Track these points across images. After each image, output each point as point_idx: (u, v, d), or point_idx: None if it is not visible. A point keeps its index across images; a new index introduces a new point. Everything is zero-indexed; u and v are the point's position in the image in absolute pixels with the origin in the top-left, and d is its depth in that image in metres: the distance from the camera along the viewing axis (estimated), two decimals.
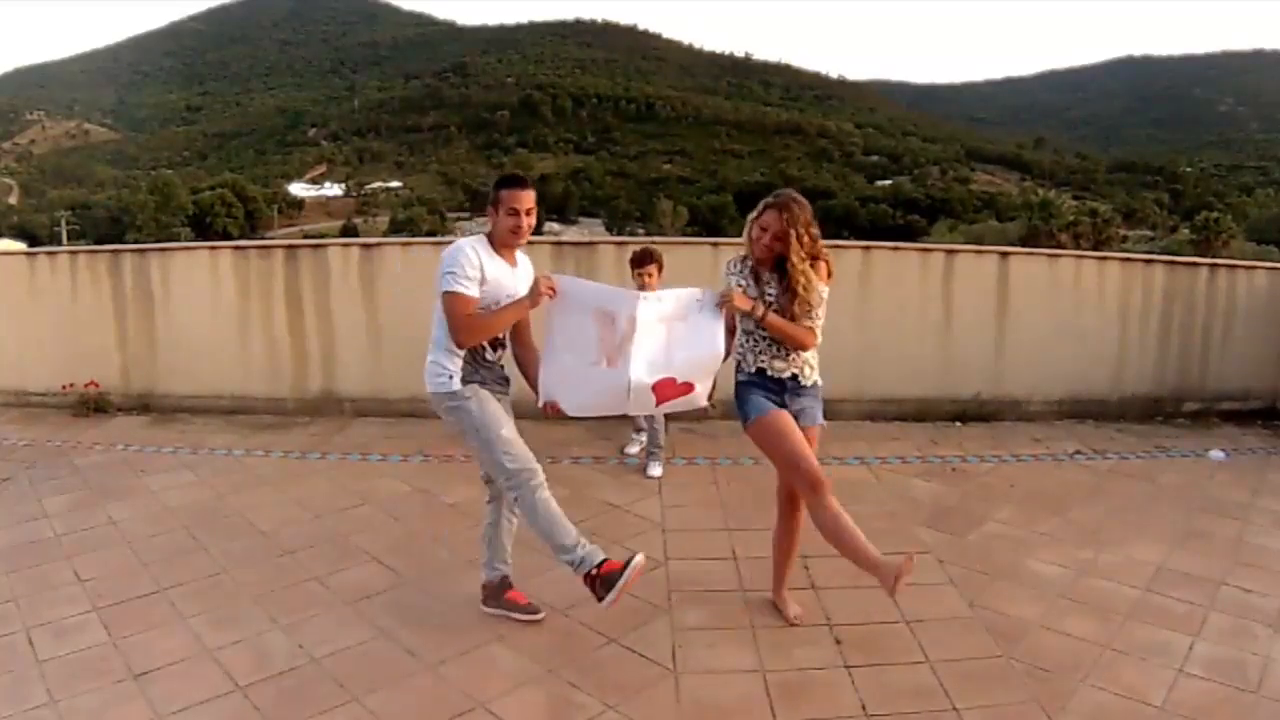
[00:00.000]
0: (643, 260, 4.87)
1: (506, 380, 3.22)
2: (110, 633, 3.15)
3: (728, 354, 3.11)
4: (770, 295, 3.02)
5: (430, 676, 2.91)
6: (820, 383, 3.17)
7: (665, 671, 2.94)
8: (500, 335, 3.12)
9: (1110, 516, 4.36)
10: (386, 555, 3.83)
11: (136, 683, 2.84)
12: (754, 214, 3.05)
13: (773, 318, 2.98)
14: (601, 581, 2.88)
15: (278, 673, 2.91)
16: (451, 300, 2.92)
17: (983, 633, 3.18)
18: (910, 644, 3.10)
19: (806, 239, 2.95)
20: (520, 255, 3.17)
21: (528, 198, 2.98)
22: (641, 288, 4.48)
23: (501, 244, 3.04)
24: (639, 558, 2.91)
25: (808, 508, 3.07)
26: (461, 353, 3.04)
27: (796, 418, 3.09)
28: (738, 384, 3.16)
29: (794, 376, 3.09)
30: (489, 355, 3.11)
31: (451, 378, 3.02)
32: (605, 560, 2.92)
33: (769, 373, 3.10)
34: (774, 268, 3.03)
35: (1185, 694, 2.79)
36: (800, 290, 2.96)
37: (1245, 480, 4.99)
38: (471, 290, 2.92)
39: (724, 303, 2.97)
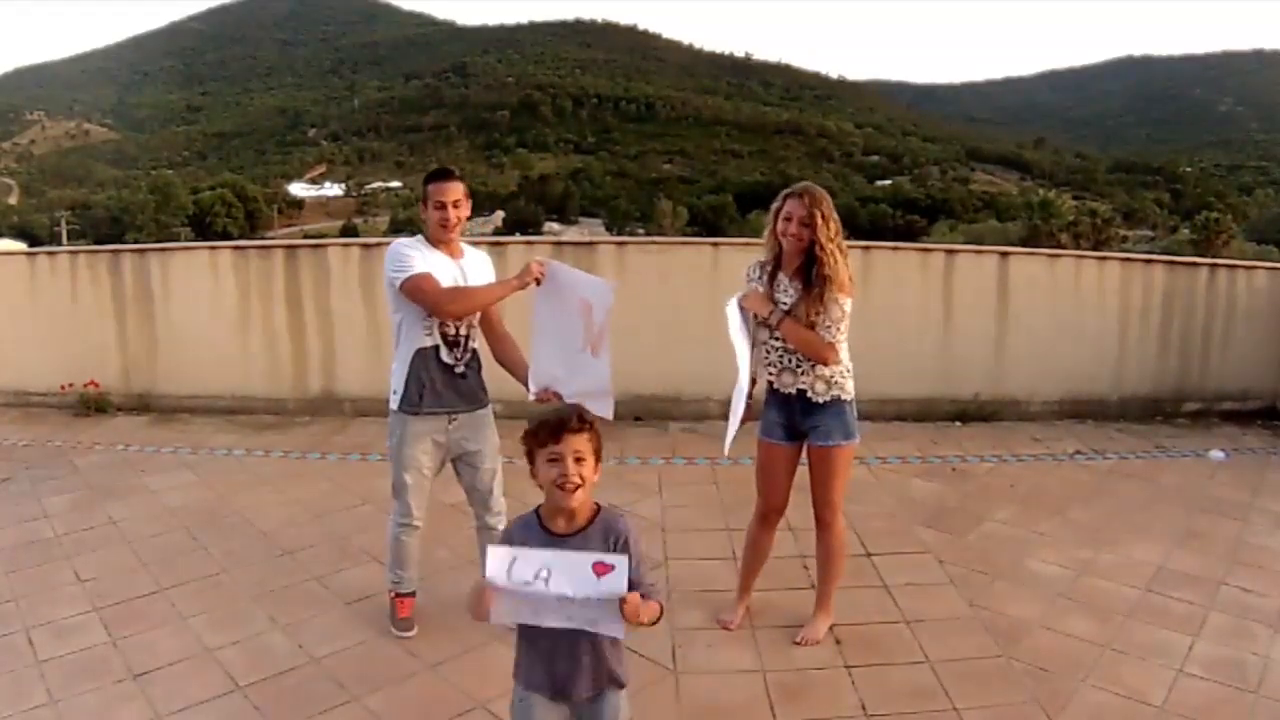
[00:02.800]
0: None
1: (474, 394, 3.10)
2: (110, 633, 3.15)
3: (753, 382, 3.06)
4: (785, 303, 2.93)
5: (430, 676, 2.91)
6: (846, 397, 3.03)
7: (665, 671, 2.94)
8: (458, 331, 3.02)
9: (1110, 516, 4.36)
10: (386, 555, 3.82)
11: (136, 683, 2.84)
12: (775, 205, 2.94)
13: (788, 323, 2.89)
14: (393, 606, 3.21)
15: (278, 673, 2.91)
16: (413, 284, 2.90)
17: (983, 633, 3.18)
18: (910, 644, 3.10)
19: (833, 223, 2.87)
20: (475, 251, 3.15)
21: (453, 189, 2.96)
22: None
23: (435, 239, 3.02)
24: (406, 633, 3.16)
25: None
26: (409, 362, 2.99)
27: (808, 436, 3.04)
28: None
29: (801, 393, 2.98)
30: (445, 356, 3.01)
31: (395, 393, 3.05)
32: (407, 595, 3.20)
33: (776, 387, 3.03)
34: (797, 271, 2.94)
35: (1185, 694, 2.79)
36: (828, 274, 2.84)
37: (1245, 480, 4.98)
38: (424, 267, 2.92)
39: (743, 302, 2.95)
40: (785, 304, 2.94)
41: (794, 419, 3.04)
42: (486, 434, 3.16)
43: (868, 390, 6.02)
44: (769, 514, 3.20)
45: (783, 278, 2.97)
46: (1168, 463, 5.35)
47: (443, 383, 3.03)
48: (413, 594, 3.23)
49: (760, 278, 3.04)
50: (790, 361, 2.98)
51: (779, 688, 2.83)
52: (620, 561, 1.85)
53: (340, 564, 3.75)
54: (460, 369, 3.05)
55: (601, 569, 1.86)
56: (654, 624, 1.91)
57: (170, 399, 6.46)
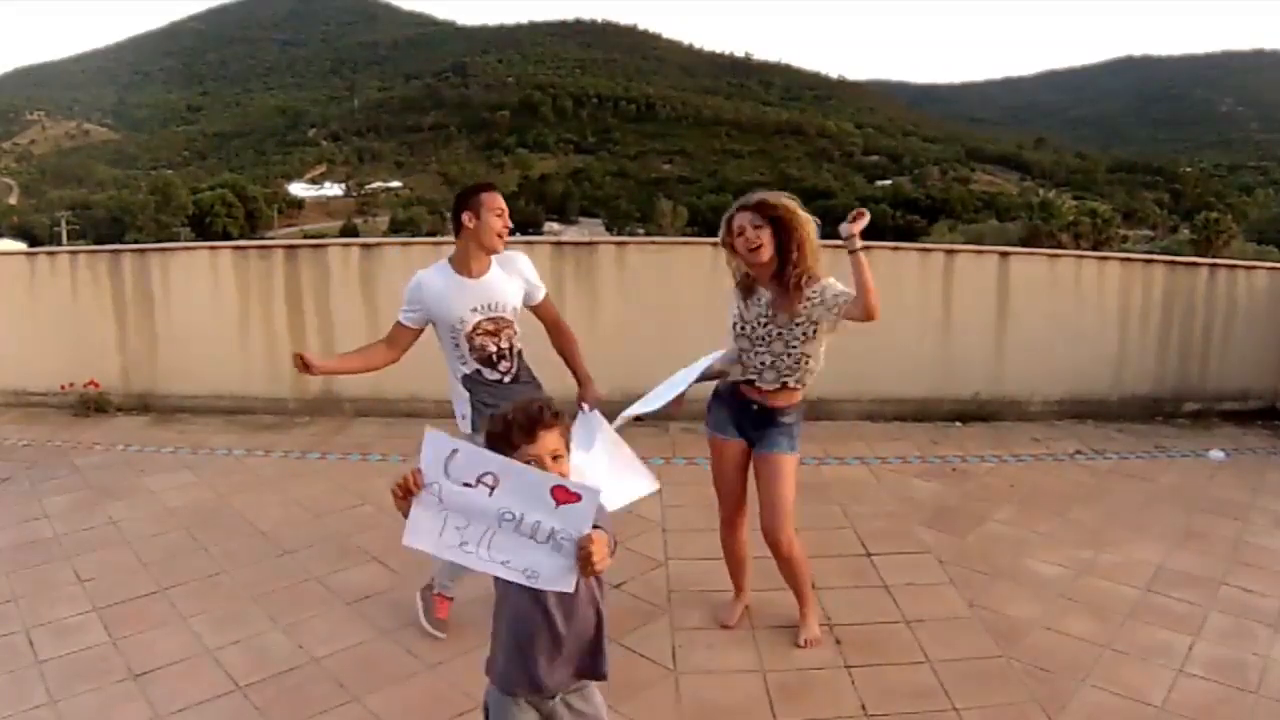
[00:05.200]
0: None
1: (531, 391, 3.09)
2: (110, 633, 3.15)
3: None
4: (763, 313, 2.92)
5: (430, 676, 2.91)
6: (795, 386, 2.96)
7: (665, 671, 2.94)
8: (499, 348, 3.04)
9: (1110, 516, 4.36)
10: (386, 555, 3.82)
11: (136, 683, 2.84)
12: (721, 233, 2.94)
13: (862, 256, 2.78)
14: (434, 603, 3.21)
15: (278, 673, 2.91)
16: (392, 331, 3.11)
17: (983, 633, 3.18)
18: (910, 644, 3.10)
19: (799, 216, 2.84)
20: (505, 264, 3.11)
21: (501, 200, 3.04)
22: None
23: (490, 248, 3.02)
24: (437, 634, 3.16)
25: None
26: (463, 387, 3.07)
27: (754, 444, 3.04)
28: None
29: (749, 382, 2.97)
30: (488, 374, 3.06)
31: (464, 418, 3.09)
32: (448, 597, 3.20)
33: (737, 383, 3.03)
34: (772, 277, 2.91)
35: (1185, 694, 2.79)
36: (803, 250, 2.83)
37: (1245, 480, 4.98)
38: (406, 320, 3.07)
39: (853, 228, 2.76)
40: (765, 314, 2.92)
41: (743, 422, 3.05)
42: None
43: (868, 390, 6.13)
44: (729, 515, 3.21)
45: (759, 287, 2.95)
46: (1167, 463, 5.35)
47: (500, 396, 3.02)
48: (451, 598, 3.24)
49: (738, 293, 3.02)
50: (768, 362, 2.94)
51: (779, 688, 2.83)
52: (589, 493, 1.51)
53: (340, 564, 3.75)
54: (508, 379, 3.08)
55: (564, 496, 1.50)
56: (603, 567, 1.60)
57: (170, 399, 6.46)
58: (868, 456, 5.30)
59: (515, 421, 1.72)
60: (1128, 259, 6.79)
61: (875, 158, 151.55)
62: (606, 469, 2.87)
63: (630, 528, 4.12)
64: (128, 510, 4.37)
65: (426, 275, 3.07)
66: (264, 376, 6.40)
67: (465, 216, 3.01)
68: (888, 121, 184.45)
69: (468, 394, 3.06)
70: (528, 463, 1.69)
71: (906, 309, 6.21)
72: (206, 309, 6.40)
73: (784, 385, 2.95)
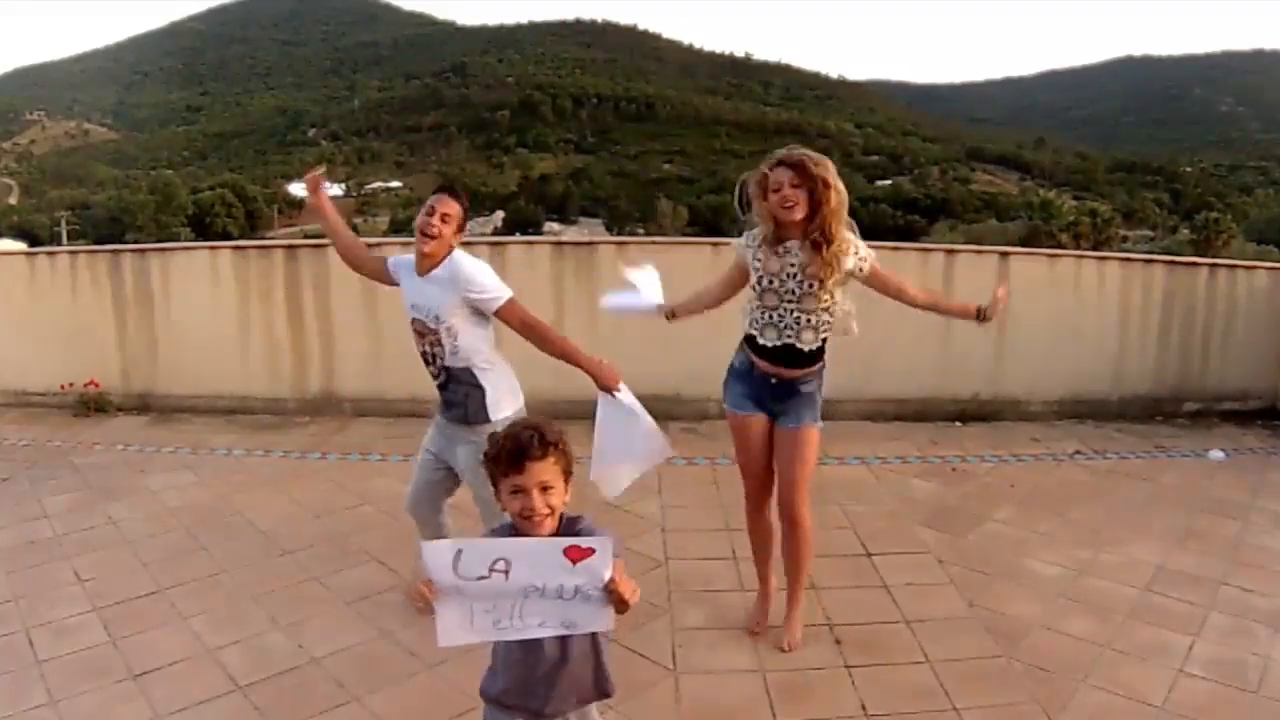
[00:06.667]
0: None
1: (451, 407, 3.02)
2: (110, 633, 3.15)
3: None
4: (793, 266, 2.86)
5: (430, 676, 2.90)
6: (830, 338, 2.98)
7: (665, 671, 2.93)
8: (423, 351, 3.01)
9: (1110, 516, 4.36)
10: (386, 555, 3.82)
11: (136, 683, 2.84)
12: (753, 184, 2.87)
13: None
14: None
15: (278, 673, 2.91)
16: None
17: (983, 633, 3.18)
18: (910, 644, 3.10)
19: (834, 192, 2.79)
20: (453, 269, 2.93)
21: (444, 201, 2.97)
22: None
23: (417, 243, 3.00)
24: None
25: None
26: None
27: (776, 418, 3.04)
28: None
29: (789, 346, 2.90)
30: (427, 367, 3.09)
31: None
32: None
33: (760, 351, 2.97)
34: (802, 234, 2.84)
35: (1185, 694, 2.79)
36: (831, 251, 2.81)
37: (1245, 480, 4.98)
38: (389, 259, 3.27)
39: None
40: (794, 265, 2.88)
41: (763, 396, 3.03)
42: (457, 450, 3.04)
43: (868, 390, 6.14)
44: (756, 494, 3.20)
45: (789, 242, 2.88)
46: (1167, 463, 5.35)
47: (437, 388, 3.09)
48: None
49: (759, 246, 2.96)
50: (803, 320, 2.91)
51: (779, 688, 2.83)
52: (601, 544, 1.56)
53: (340, 564, 3.75)
54: (437, 381, 3.07)
55: (578, 554, 1.55)
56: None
57: (170, 399, 6.46)
58: (868, 456, 5.30)
59: (504, 450, 1.68)
60: (1128, 259, 6.80)
61: (875, 158, 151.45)
62: (623, 442, 2.99)
63: (630, 528, 4.12)
64: (128, 510, 4.37)
65: (406, 256, 3.16)
66: (264, 376, 6.40)
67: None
68: (888, 121, 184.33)
69: None
70: (514, 493, 1.67)
71: (906, 309, 6.19)
72: (206, 309, 6.40)
73: (823, 344, 2.95)
